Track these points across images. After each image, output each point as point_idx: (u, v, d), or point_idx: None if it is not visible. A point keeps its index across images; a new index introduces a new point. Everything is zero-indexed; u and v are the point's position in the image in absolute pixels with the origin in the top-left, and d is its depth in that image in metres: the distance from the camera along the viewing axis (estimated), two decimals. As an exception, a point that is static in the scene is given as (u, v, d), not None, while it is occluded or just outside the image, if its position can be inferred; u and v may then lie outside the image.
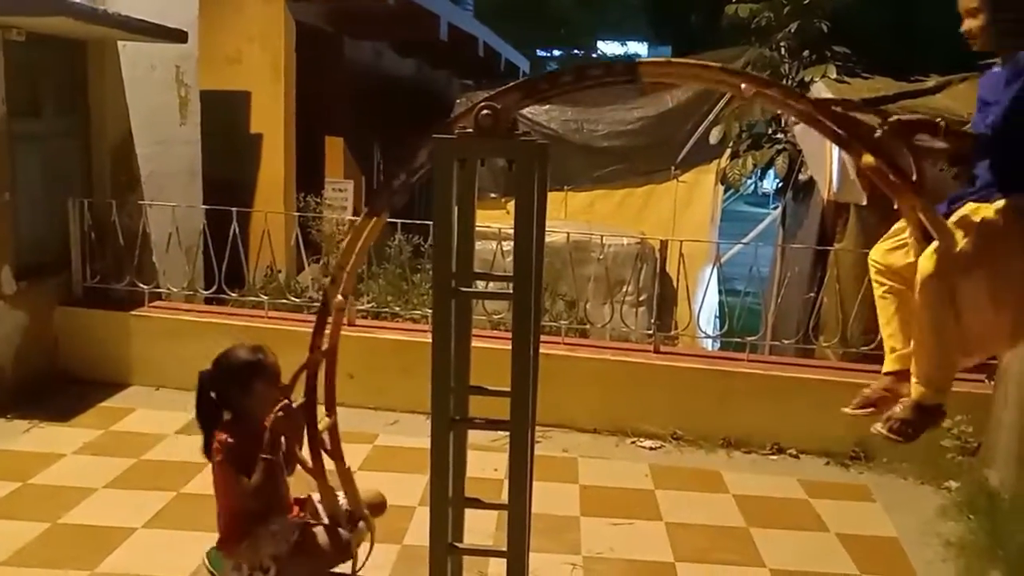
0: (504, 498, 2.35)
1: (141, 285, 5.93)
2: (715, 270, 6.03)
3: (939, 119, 2.53)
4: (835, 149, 6.31)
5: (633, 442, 5.28)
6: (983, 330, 2.63)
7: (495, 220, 5.99)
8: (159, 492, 4.30)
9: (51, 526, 3.94)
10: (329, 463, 3.03)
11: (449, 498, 2.36)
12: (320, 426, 2.97)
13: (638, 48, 32.51)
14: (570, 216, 8.62)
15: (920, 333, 2.64)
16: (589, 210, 9.03)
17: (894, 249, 2.80)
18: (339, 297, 2.86)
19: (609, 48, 32.12)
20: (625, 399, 5.36)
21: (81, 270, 5.96)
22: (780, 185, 7.59)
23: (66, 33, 5.74)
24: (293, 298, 6.25)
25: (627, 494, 4.61)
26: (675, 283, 6.05)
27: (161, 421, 5.17)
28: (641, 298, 7.59)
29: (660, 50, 28.72)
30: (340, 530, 3.06)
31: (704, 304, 5.93)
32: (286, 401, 2.86)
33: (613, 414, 5.37)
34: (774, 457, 5.15)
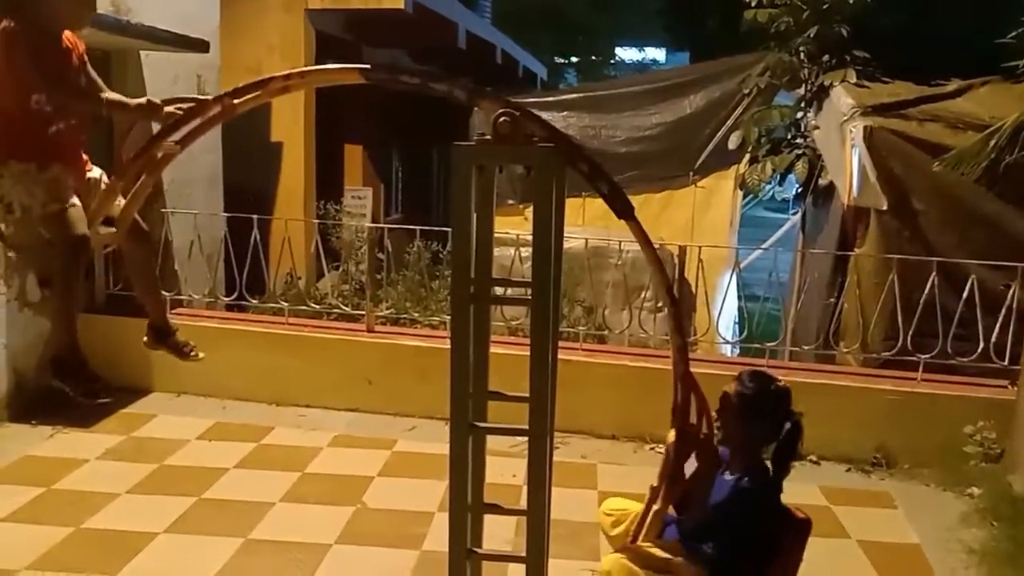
0: (523, 504, 2.35)
1: (163, 292, 5.97)
2: (734, 275, 6.00)
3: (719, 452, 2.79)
4: (855, 153, 6.28)
5: (652, 448, 5.26)
6: None
7: (513, 226, 6.01)
8: (180, 497, 4.33)
9: (74, 531, 3.98)
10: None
11: (468, 504, 2.36)
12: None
13: (656, 54, 32.46)
14: (588, 222, 8.60)
15: None
16: (607, 216, 8.91)
17: (614, 520, 3.05)
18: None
19: (627, 54, 32.09)
20: (643, 405, 5.33)
21: (104, 277, 6.03)
22: (800, 190, 7.56)
23: (91, 44, 5.79)
24: (313, 305, 6.29)
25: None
26: (694, 289, 6.02)
27: (182, 427, 5.21)
28: (659, 304, 7.56)
29: (678, 56, 28.68)
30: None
31: (723, 310, 5.91)
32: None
33: (631, 420, 5.35)
34: (794, 464, 5.10)
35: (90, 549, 3.85)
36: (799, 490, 4.74)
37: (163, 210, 6.43)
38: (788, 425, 2.80)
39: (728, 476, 2.83)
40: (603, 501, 3.12)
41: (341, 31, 9.56)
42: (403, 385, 5.52)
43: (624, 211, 2.42)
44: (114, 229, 2.97)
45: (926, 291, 5.17)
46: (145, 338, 3.22)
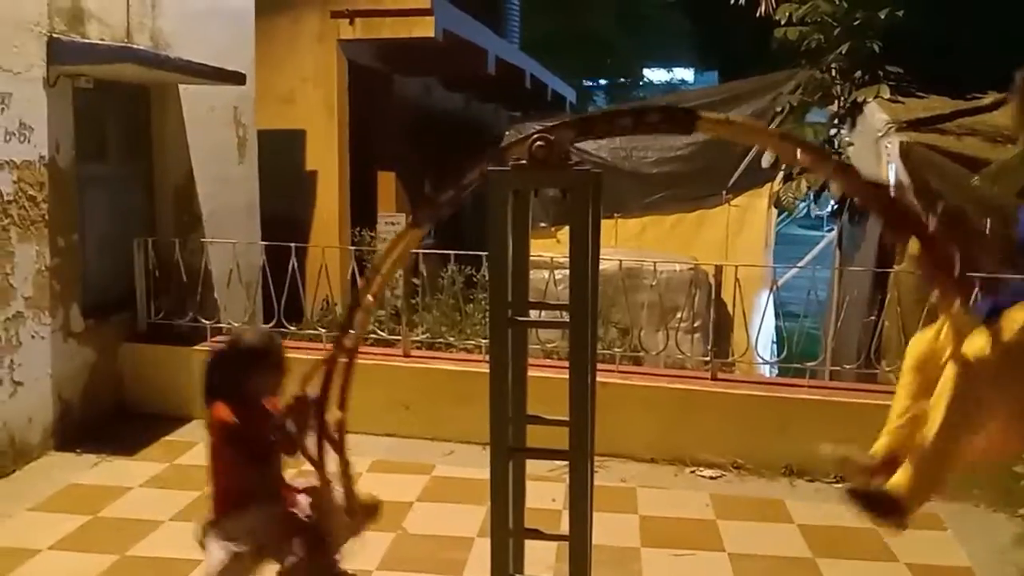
0: (563, 529, 2.33)
1: (203, 320, 6.08)
2: (772, 295, 5.95)
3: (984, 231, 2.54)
4: (891, 169, 6.21)
5: (692, 471, 5.20)
6: (995, 438, 2.59)
7: (546, 249, 6.01)
8: (222, 524, 4.35)
9: (119, 558, 4.02)
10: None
11: (509, 529, 2.35)
12: (329, 418, 2.97)
13: (684, 74, 32.44)
14: (621, 243, 8.60)
15: (929, 432, 2.57)
16: (640, 237, 9.00)
17: (930, 343, 2.76)
18: (369, 298, 2.89)
19: (655, 75, 32.12)
20: (682, 427, 5.29)
21: (146, 307, 6.14)
22: (835, 207, 7.48)
23: (131, 79, 5.97)
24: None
25: (688, 524, 4.53)
26: (731, 309, 5.98)
27: (223, 454, 5.25)
28: (696, 324, 7.51)
29: (707, 76, 28.65)
30: (329, 522, 3.04)
31: (761, 330, 5.85)
32: (303, 392, 2.89)
33: (671, 443, 5.30)
34: (839, 485, 5.01)
35: (135, 576, 3.88)
36: (843, 512, 4.66)
37: (203, 240, 6.55)
38: None
39: None
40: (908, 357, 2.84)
41: (373, 61, 9.71)
42: (440, 410, 5.53)
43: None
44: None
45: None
46: None
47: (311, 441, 2.98)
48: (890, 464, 2.72)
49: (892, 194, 2.39)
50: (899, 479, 2.60)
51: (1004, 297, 2.62)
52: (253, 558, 3.00)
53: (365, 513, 3.22)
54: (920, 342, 2.79)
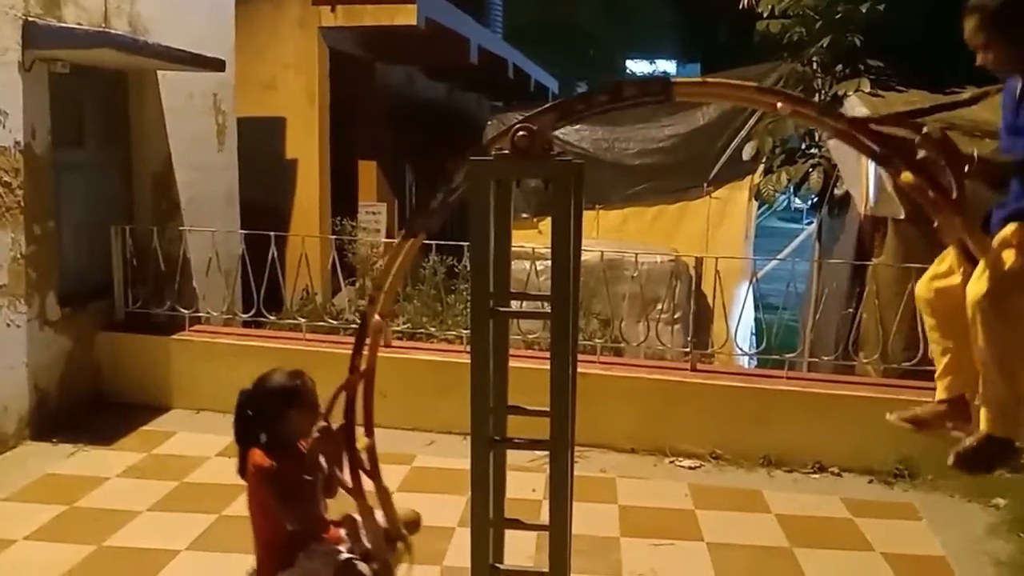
0: (544, 519, 2.34)
1: (181, 310, 6.03)
2: (751, 287, 5.98)
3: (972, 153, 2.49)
4: (871, 163, 6.25)
5: (672, 461, 5.23)
6: None
7: (528, 240, 6.00)
8: (202, 515, 4.34)
9: (96, 548, 3.99)
10: (367, 484, 3.04)
11: (490, 519, 2.36)
12: (358, 446, 2.98)
13: (667, 66, 32.50)
14: (602, 234, 8.61)
15: (984, 361, 2.54)
16: (621, 228, 9.01)
17: (938, 278, 2.71)
18: (377, 318, 2.88)
19: (638, 67, 32.15)
20: (662, 418, 5.32)
21: (123, 296, 6.08)
22: (815, 200, 7.53)
23: (108, 64, 5.89)
24: (330, 320, 6.31)
25: (667, 514, 4.56)
26: (711, 300, 6.00)
27: (202, 444, 5.23)
28: (676, 316, 7.54)
29: (689, 68, 28.70)
30: (383, 557, 3.06)
31: (740, 321, 5.88)
32: (324, 423, 2.87)
33: (650, 433, 5.33)
34: (816, 476, 5.07)
35: (112, 567, 3.86)
36: (820, 502, 4.73)
37: (181, 228, 6.49)
38: None
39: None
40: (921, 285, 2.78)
41: (355, 48, 9.64)
42: (420, 400, 5.53)
43: None
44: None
45: (946, 300, 5.12)
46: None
47: (344, 472, 2.96)
48: (958, 405, 2.71)
49: (879, 129, 2.37)
50: (984, 421, 2.56)
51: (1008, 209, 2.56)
52: None
53: (409, 532, 3.21)
54: (924, 284, 2.76)
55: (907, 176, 2.36)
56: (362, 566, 3.04)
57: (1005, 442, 2.55)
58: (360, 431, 3.01)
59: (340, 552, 3.05)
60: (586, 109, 2.39)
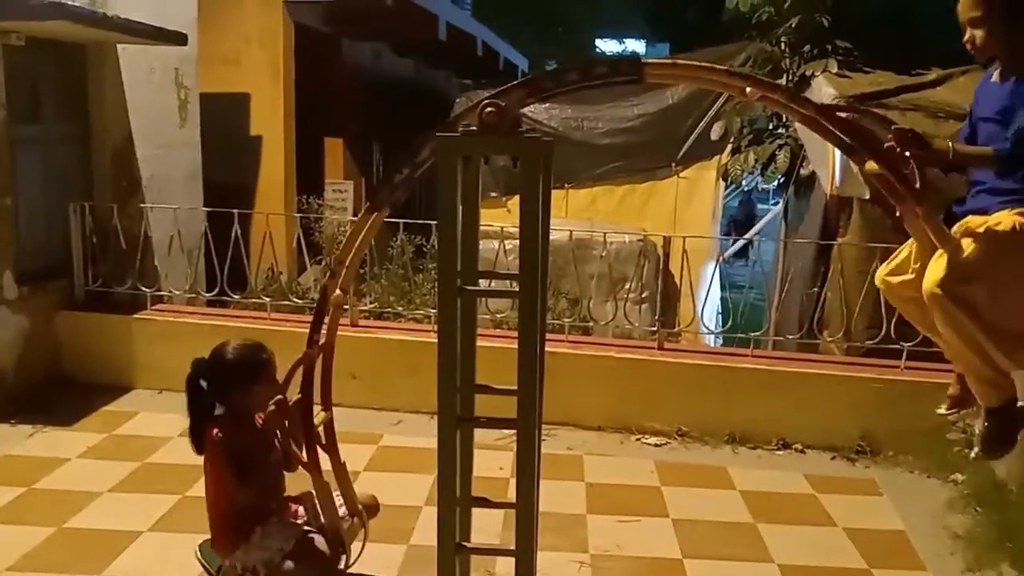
0: (511, 497, 2.34)
1: (143, 288, 5.92)
2: (718, 266, 6.01)
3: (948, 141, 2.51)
4: (837, 143, 6.30)
5: (638, 439, 5.27)
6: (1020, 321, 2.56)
7: (496, 219, 5.98)
8: (164, 495, 4.29)
9: (57, 530, 3.93)
10: (326, 461, 3.02)
11: (456, 497, 2.35)
12: (316, 420, 2.95)
13: (635, 45, 32.45)
14: (571, 214, 8.61)
15: (951, 346, 2.60)
16: (590, 208, 9.01)
17: (892, 274, 2.76)
18: (338, 292, 2.85)
19: (607, 46, 32.06)
20: (630, 396, 5.35)
21: (83, 274, 5.96)
22: (782, 180, 7.58)
23: (65, 37, 5.73)
24: (295, 299, 6.24)
25: (633, 491, 4.60)
26: (678, 280, 6.03)
27: (164, 424, 5.15)
28: (644, 295, 7.58)
29: (658, 47, 28.67)
30: (337, 530, 3.04)
31: (707, 300, 5.92)
32: (281, 396, 2.83)
33: (618, 411, 5.36)
34: (780, 452, 5.14)
35: (73, 549, 3.80)
36: (784, 478, 4.79)
37: (142, 205, 6.37)
38: None
39: (1001, 81, 2.60)
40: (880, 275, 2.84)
41: (320, 23, 9.48)
42: (388, 379, 5.50)
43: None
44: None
45: (909, 280, 5.19)
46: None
47: (300, 446, 2.92)
48: (964, 382, 2.78)
49: (845, 117, 2.38)
50: (979, 397, 2.65)
51: (973, 203, 2.62)
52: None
53: (367, 513, 3.19)
54: (881, 274, 2.81)
55: (872, 165, 2.38)
56: (319, 541, 3.02)
57: (1007, 409, 2.61)
58: (319, 407, 2.99)
59: (298, 528, 3.03)
60: (556, 87, 2.38)
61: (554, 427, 5.19)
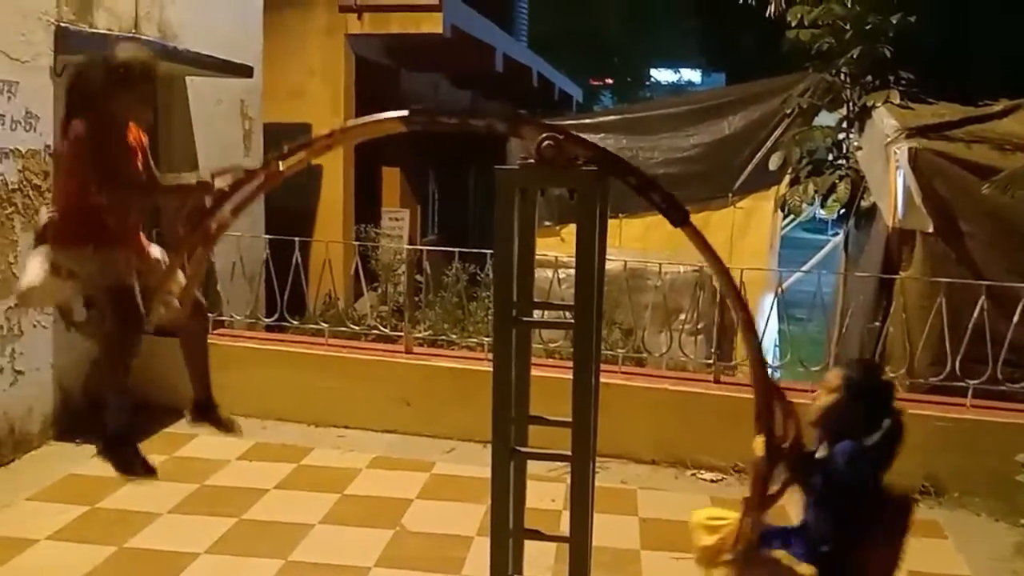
0: (563, 530, 2.32)
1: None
2: (776, 298, 5.92)
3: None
4: (900, 175, 6.18)
5: (693, 474, 5.18)
6: None
7: (550, 248, 5.99)
8: (221, 518, 4.36)
9: (117, 550, 4.02)
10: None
11: (510, 529, 2.34)
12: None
13: (691, 75, 32.39)
14: (624, 244, 8.57)
15: None
16: (643, 238, 8.96)
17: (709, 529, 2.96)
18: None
19: (662, 75, 32.08)
20: (684, 430, 5.28)
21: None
22: (842, 211, 7.45)
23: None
24: (352, 326, 6.32)
25: (688, 527, 4.51)
26: (735, 312, 5.95)
27: (223, 447, 5.24)
28: (699, 326, 7.48)
29: (713, 77, 28.60)
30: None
31: (765, 333, 5.82)
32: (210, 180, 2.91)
33: (672, 445, 5.28)
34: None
35: (133, 569, 3.88)
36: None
37: (206, 232, 6.53)
38: (888, 422, 2.71)
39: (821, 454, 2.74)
40: (697, 512, 3.08)
41: (380, 56, 9.69)
42: (441, 407, 5.52)
43: (680, 219, 2.40)
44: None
45: (975, 315, 5.05)
46: (188, 414, 3.34)
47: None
48: None
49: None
50: None
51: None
52: (72, 287, 2.97)
53: (195, 309, 3.18)
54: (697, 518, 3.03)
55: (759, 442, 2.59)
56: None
57: None
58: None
59: (124, 271, 3.02)
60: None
61: (607, 460, 5.14)
